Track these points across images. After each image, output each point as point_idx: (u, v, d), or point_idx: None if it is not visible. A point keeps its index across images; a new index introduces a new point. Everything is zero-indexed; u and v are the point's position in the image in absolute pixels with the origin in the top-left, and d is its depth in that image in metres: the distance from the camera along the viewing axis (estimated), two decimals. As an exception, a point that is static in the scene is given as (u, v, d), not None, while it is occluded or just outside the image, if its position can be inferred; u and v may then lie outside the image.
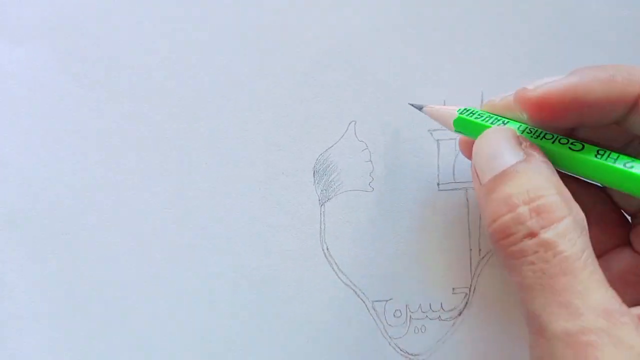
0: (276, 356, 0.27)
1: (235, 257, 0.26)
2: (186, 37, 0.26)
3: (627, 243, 0.25)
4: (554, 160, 0.21)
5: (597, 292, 0.18)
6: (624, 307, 0.18)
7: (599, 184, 0.25)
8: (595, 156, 0.20)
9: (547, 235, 0.18)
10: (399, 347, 0.28)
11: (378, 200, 0.27)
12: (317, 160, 0.27)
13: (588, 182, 0.25)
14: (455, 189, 0.28)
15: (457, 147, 0.28)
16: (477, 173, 0.21)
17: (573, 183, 0.21)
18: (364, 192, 0.27)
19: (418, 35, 0.27)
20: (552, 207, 0.19)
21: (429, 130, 0.27)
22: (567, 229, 0.18)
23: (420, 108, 0.26)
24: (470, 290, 0.28)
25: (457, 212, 0.28)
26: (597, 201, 0.25)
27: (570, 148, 0.21)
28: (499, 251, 0.20)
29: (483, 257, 0.28)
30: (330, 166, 0.27)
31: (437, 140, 0.27)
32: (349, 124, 0.27)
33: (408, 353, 0.28)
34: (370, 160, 0.27)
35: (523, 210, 0.19)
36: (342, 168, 0.27)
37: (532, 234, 0.18)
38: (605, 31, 0.28)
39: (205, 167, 0.26)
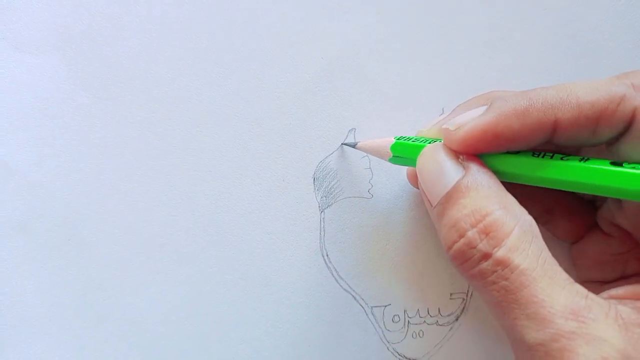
0: (276, 361, 0.27)
1: (235, 262, 0.27)
2: (192, 47, 0.26)
3: (597, 226, 0.26)
4: (508, 173, 0.21)
5: (561, 294, 0.18)
6: (591, 300, 0.19)
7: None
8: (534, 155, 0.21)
9: (500, 253, 0.19)
10: (397, 352, 0.28)
11: (377, 206, 0.28)
12: (317, 167, 0.27)
13: None
14: (453, 196, 0.28)
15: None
16: (426, 196, 0.22)
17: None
18: (364, 199, 0.28)
19: (418, 44, 0.28)
20: (498, 224, 0.19)
21: (427, 138, 0.28)
22: (517, 241, 0.19)
23: (353, 145, 0.26)
24: (467, 296, 0.28)
25: (454, 218, 0.28)
26: (559, 196, 0.26)
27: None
28: (462, 274, 0.20)
29: (480, 263, 0.28)
30: (330, 173, 0.27)
31: (436, 147, 0.28)
32: (349, 131, 0.27)
33: (406, 357, 0.28)
34: (370, 167, 0.28)
35: (472, 234, 0.19)
36: (342, 175, 0.27)
37: (486, 256, 0.19)
38: (602, 41, 0.29)
39: (209, 174, 0.26)
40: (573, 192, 0.26)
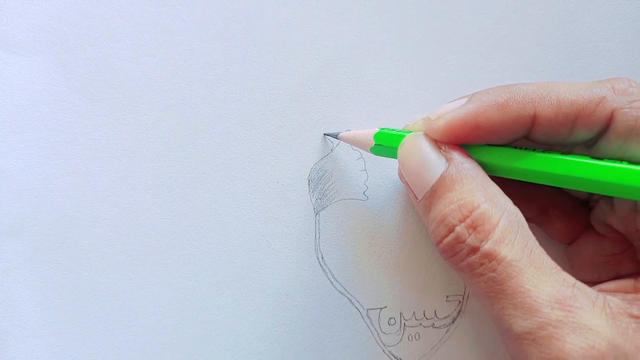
0: (271, 364, 0.27)
1: (230, 265, 0.26)
2: (187, 49, 0.26)
3: (590, 227, 0.26)
4: (489, 164, 0.22)
5: (547, 284, 0.19)
6: (578, 289, 0.19)
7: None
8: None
9: (487, 247, 0.19)
10: (393, 355, 0.28)
11: (372, 208, 0.27)
12: (312, 169, 0.27)
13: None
14: (449, 198, 0.28)
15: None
16: (410, 187, 0.22)
17: (528, 183, 0.22)
18: (359, 201, 0.27)
19: (413, 46, 0.27)
20: (484, 217, 0.20)
21: (423, 139, 0.28)
22: (503, 233, 0.19)
23: (335, 135, 0.26)
24: (463, 298, 0.28)
25: (450, 220, 0.28)
26: (553, 196, 0.26)
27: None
28: (451, 266, 0.21)
29: (476, 265, 0.28)
30: (325, 175, 0.27)
31: (431, 149, 0.28)
32: (344, 132, 0.27)
33: (402, 360, 0.28)
34: (365, 169, 0.27)
35: (460, 228, 0.20)
36: (337, 177, 0.27)
37: (474, 250, 0.20)
38: (599, 41, 0.29)
39: (203, 176, 0.26)
40: (567, 194, 0.26)
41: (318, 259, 0.27)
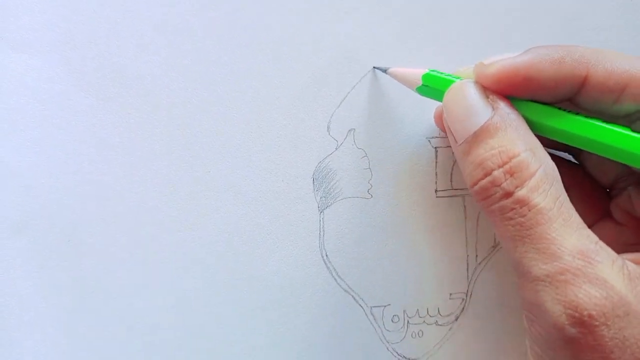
0: (276, 361, 0.27)
1: (235, 263, 0.27)
2: (191, 48, 0.26)
3: (609, 215, 0.26)
4: (533, 121, 0.22)
5: (572, 236, 0.20)
6: (600, 247, 0.20)
7: (573, 159, 0.27)
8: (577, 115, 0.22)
9: (521, 192, 0.20)
10: (396, 352, 0.28)
11: (377, 207, 0.28)
12: (316, 167, 0.27)
13: (565, 160, 0.26)
14: (453, 196, 0.28)
15: (455, 155, 0.28)
16: (451, 132, 0.22)
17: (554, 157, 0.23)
18: (363, 199, 0.27)
19: (417, 44, 0.28)
20: (523, 165, 0.20)
21: (427, 138, 0.28)
22: (538, 182, 0.20)
23: (385, 70, 0.26)
24: (467, 296, 0.28)
25: (454, 218, 0.28)
26: (575, 178, 0.26)
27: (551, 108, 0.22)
28: (481, 209, 0.21)
29: (480, 263, 0.28)
30: (330, 173, 0.27)
31: (435, 147, 0.28)
32: (348, 131, 0.27)
33: (405, 358, 0.28)
34: (369, 168, 0.28)
35: (498, 173, 0.20)
36: (342, 175, 0.27)
37: (508, 194, 0.20)
38: (603, 41, 0.29)
39: (208, 175, 0.26)
40: (590, 178, 0.26)
41: (322, 257, 0.27)
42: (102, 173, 0.26)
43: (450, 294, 0.28)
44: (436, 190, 0.28)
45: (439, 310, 0.28)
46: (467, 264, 0.28)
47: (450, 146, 0.28)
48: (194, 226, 0.26)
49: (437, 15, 0.28)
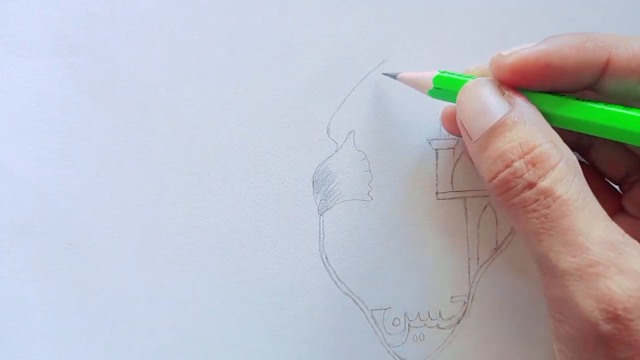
0: (276, 364, 0.27)
1: (234, 266, 0.27)
2: (191, 50, 0.26)
3: (621, 210, 0.25)
4: (550, 114, 0.21)
5: (599, 227, 0.19)
6: (627, 238, 0.19)
7: (581, 158, 0.26)
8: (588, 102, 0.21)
9: (544, 183, 0.19)
10: (397, 355, 0.28)
11: (377, 209, 0.27)
12: (316, 170, 0.27)
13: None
14: (454, 198, 0.28)
15: (455, 156, 0.28)
16: (465, 129, 0.22)
17: None
18: (363, 202, 0.27)
19: (417, 45, 0.27)
20: (545, 156, 0.20)
21: (427, 140, 0.28)
22: (562, 173, 0.19)
23: (394, 76, 0.26)
24: (468, 299, 0.28)
25: (455, 220, 0.28)
26: (586, 175, 0.26)
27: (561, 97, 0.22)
28: (501, 204, 0.21)
29: (481, 266, 0.28)
30: (330, 176, 0.27)
31: (436, 149, 0.28)
32: (348, 133, 0.27)
33: (407, 361, 0.28)
34: (369, 170, 0.27)
35: (519, 164, 0.20)
36: (341, 178, 0.27)
37: (530, 185, 0.19)
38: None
39: (208, 177, 0.26)
40: (601, 173, 0.26)
41: (322, 260, 0.27)
42: (104, 176, 0.26)
43: (452, 297, 0.28)
44: (437, 193, 0.28)
45: (440, 314, 0.28)
46: (469, 266, 0.28)
47: (451, 148, 0.28)
48: (194, 229, 0.26)
49: (437, 15, 0.27)
